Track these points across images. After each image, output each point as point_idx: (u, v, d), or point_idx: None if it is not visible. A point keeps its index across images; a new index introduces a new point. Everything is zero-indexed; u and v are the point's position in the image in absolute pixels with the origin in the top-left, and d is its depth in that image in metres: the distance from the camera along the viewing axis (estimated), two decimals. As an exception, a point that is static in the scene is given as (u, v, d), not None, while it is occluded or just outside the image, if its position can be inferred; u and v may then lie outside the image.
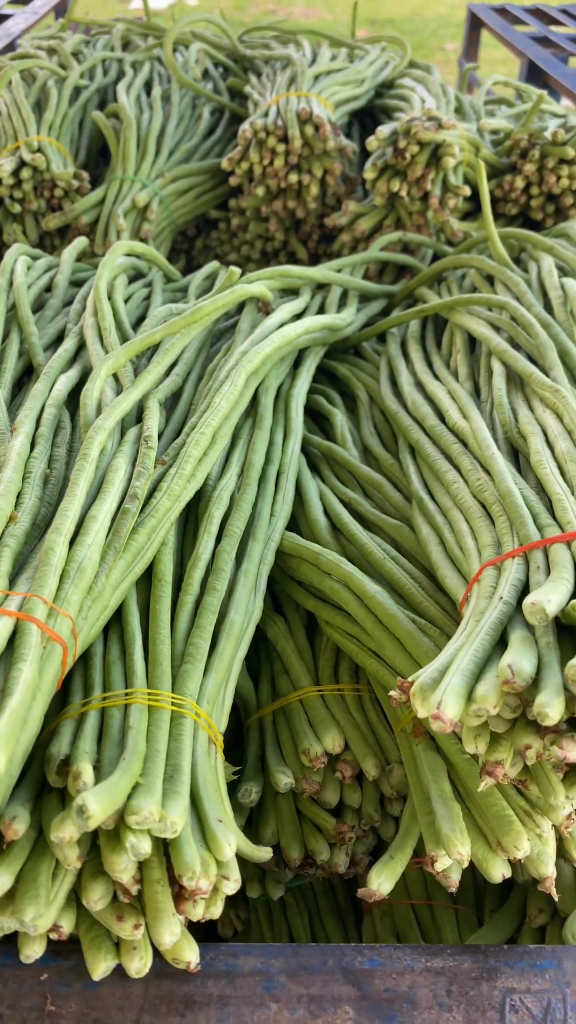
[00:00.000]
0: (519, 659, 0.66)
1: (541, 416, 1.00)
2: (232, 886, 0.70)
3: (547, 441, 0.96)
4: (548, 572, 0.78)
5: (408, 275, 1.67)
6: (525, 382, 1.08)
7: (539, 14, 3.70)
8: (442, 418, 1.11)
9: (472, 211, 1.94)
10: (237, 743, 1.04)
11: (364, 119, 2.18)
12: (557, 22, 3.60)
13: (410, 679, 0.73)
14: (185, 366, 1.18)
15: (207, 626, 0.87)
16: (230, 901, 1.07)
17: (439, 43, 7.80)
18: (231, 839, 0.70)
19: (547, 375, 1.07)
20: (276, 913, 1.03)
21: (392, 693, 0.72)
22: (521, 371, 1.08)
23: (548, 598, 0.70)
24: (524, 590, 0.77)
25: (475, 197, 1.94)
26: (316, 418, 1.34)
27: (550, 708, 0.62)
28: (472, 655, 0.70)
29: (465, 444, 1.03)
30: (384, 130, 1.65)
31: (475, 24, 3.84)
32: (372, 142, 1.65)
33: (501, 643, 0.73)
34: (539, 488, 0.91)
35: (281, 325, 1.22)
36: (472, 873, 0.95)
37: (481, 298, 1.25)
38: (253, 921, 1.05)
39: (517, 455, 1.00)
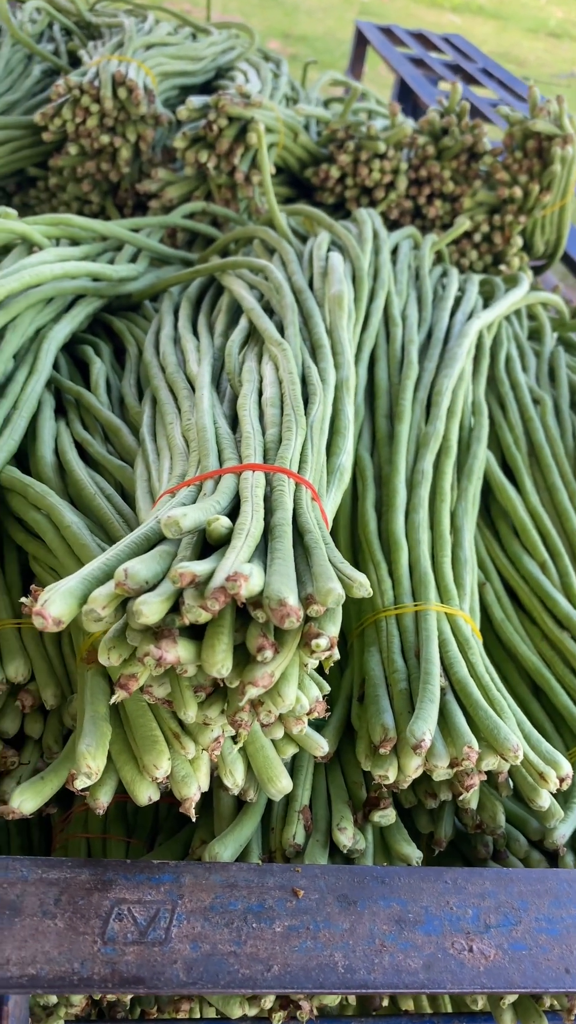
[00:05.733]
0: (137, 564, 0.67)
1: (263, 368, 1.02)
2: None
3: (259, 389, 0.98)
4: (212, 498, 0.79)
5: (213, 247, 1.69)
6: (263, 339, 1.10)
7: (421, 39, 3.84)
8: (184, 367, 1.12)
9: (294, 196, 1.98)
10: None
11: (202, 99, 2.19)
12: (436, 48, 3.75)
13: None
14: None
15: None
16: None
17: (348, 63, 7.96)
18: None
19: (283, 333, 1.09)
20: (-36, 852, 1.00)
21: (24, 600, 0.72)
22: (260, 328, 1.10)
23: (185, 513, 0.71)
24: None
25: (296, 183, 1.98)
26: (82, 367, 1.33)
27: (145, 606, 0.63)
28: (102, 562, 0.70)
29: (194, 390, 1.05)
30: (195, 101, 1.66)
31: (361, 40, 3.97)
32: (182, 111, 1.67)
33: (145, 559, 0.73)
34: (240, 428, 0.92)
35: (40, 265, 1.20)
36: (155, 810, 0.96)
37: (244, 261, 1.28)
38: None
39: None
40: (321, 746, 0.82)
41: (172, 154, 1.85)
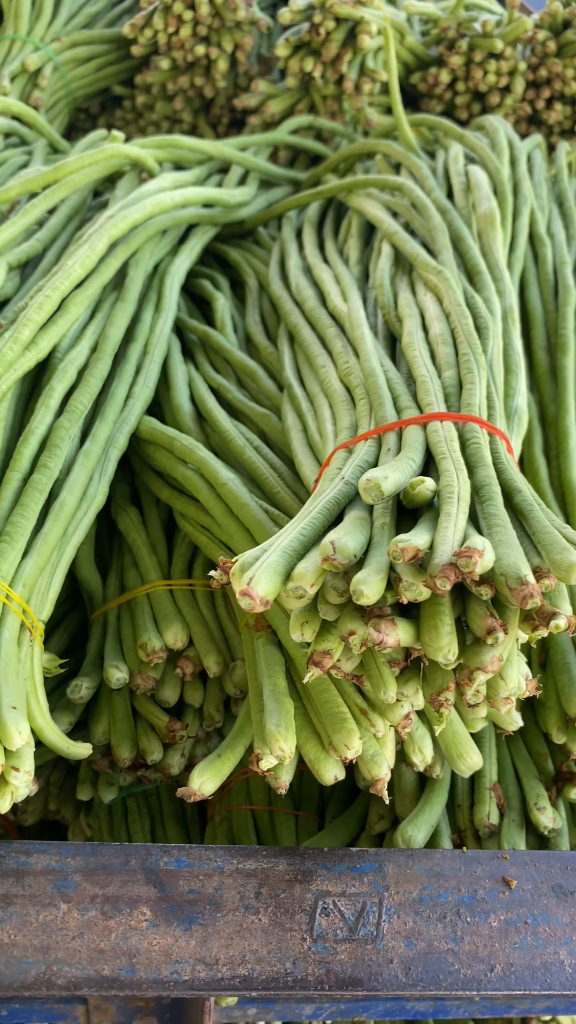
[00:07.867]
0: (343, 535, 0.59)
1: (422, 299, 0.92)
2: (22, 778, 0.63)
3: (423, 324, 0.88)
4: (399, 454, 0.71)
5: (319, 166, 1.56)
6: (413, 265, 1.00)
7: None
8: (323, 301, 1.02)
9: (396, 107, 1.82)
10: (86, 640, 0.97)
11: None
12: None
13: (234, 559, 0.66)
14: (49, 232, 1.07)
15: (32, 505, 0.78)
16: (83, 808, 1.02)
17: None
18: (23, 727, 0.63)
19: (436, 259, 0.99)
20: (117, 819, 0.97)
21: (212, 573, 0.65)
22: (408, 253, 1.00)
23: (385, 475, 0.63)
24: (372, 472, 0.70)
25: (401, 92, 1.82)
26: (200, 303, 1.24)
27: (365, 586, 0.56)
28: (298, 533, 0.63)
29: (342, 328, 0.95)
30: (299, 2, 1.52)
31: None
32: (285, 14, 1.52)
33: (338, 524, 0.66)
34: (408, 371, 0.84)
35: (159, 193, 1.11)
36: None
37: (377, 179, 1.16)
38: (96, 828, 0.99)
39: (396, 341, 0.93)
40: (517, 721, 0.75)
41: (268, 65, 1.71)
